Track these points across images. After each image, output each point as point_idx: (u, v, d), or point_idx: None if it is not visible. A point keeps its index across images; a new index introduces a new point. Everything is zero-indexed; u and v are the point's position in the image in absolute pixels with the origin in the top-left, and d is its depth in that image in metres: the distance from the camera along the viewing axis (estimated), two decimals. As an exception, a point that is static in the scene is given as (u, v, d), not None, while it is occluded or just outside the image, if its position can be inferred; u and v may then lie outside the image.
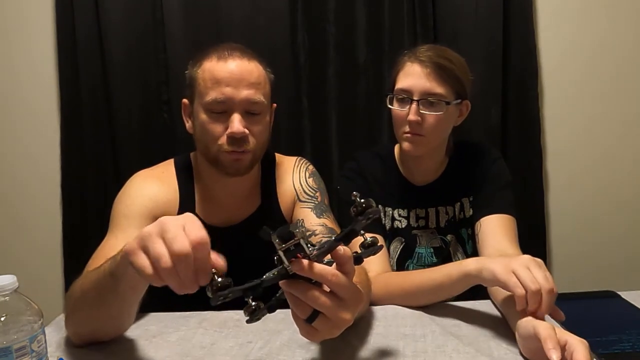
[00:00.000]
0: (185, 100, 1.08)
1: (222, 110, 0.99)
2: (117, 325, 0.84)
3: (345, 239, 0.63)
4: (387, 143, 1.51)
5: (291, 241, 0.58)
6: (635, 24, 1.74)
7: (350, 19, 1.70)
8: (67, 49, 1.68)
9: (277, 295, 0.64)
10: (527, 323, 0.74)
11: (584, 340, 0.68)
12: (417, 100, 1.11)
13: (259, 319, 0.62)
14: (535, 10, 1.72)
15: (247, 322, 0.62)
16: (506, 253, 1.03)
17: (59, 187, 1.75)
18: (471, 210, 1.21)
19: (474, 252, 1.20)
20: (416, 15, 1.66)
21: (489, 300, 0.98)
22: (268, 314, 0.63)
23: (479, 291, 0.95)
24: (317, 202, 1.12)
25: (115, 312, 0.78)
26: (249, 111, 1.01)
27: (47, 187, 1.77)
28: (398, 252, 1.23)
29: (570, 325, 0.82)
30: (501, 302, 0.90)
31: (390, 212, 1.23)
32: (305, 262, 0.58)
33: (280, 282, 0.60)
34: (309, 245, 0.59)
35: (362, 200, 0.61)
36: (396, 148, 1.28)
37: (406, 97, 1.13)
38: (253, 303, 0.60)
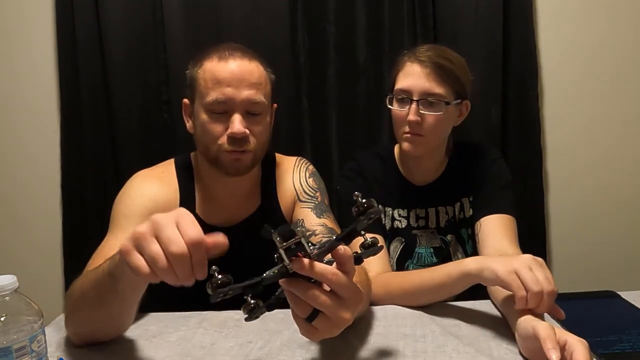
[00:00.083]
0: (185, 100, 1.08)
1: (222, 111, 0.99)
2: (117, 325, 0.84)
3: (346, 239, 0.63)
4: (387, 143, 1.51)
5: (292, 240, 0.58)
6: (635, 24, 1.74)
7: (350, 19, 1.70)
8: (67, 49, 1.68)
9: (277, 293, 0.64)
10: (526, 323, 0.74)
11: (584, 340, 0.68)
12: (417, 101, 1.11)
13: (257, 317, 0.62)
14: (535, 10, 1.72)
15: (246, 320, 0.62)
16: (506, 253, 1.03)
17: (59, 187, 1.75)
18: (471, 210, 1.21)
19: (474, 252, 1.20)
20: (416, 15, 1.66)
21: (489, 300, 0.98)
22: (267, 313, 0.63)
23: (479, 291, 0.95)
24: (317, 202, 1.12)
25: (115, 312, 0.78)
26: (250, 111, 1.01)
27: (47, 187, 1.77)
28: (398, 252, 1.23)
29: (570, 325, 0.82)
30: (501, 301, 0.90)
31: (390, 212, 1.23)
32: (306, 260, 0.58)
33: (280, 281, 0.60)
34: (309, 244, 0.59)
35: (364, 200, 0.61)
36: (396, 148, 1.28)
37: (406, 97, 1.13)
38: (252, 301, 0.61)
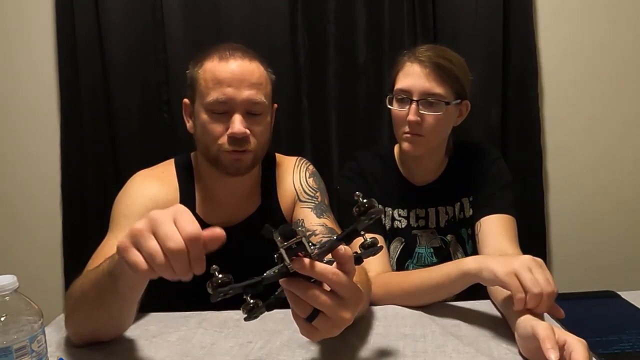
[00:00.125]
0: (186, 100, 1.08)
1: (223, 111, 0.99)
2: (117, 325, 0.84)
3: (347, 239, 0.63)
4: (387, 143, 1.51)
5: (293, 239, 0.58)
6: (635, 24, 1.74)
7: (350, 19, 1.70)
8: (67, 49, 1.68)
9: (277, 293, 0.64)
10: (526, 323, 0.74)
11: (583, 340, 0.68)
12: (417, 101, 1.11)
13: (257, 317, 0.62)
14: (535, 10, 1.72)
15: (245, 319, 0.62)
16: (506, 253, 1.03)
17: (59, 187, 1.75)
18: (471, 210, 1.21)
19: (474, 252, 1.20)
20: (416, 15, 1.66)
21: (489, 300, 0.98)
22: (267, 313, 0.63)
23: (479, 291, 0.95)
24: (317, 202, 1.12)
25: (114, 312, 0.78)
26: (250, 112, 1.01)
27: (47, 187, 1.77)
28: (398, 252, 1.23)
29: (570, 325, 0.82)
30: (501, 301, 0.90)
31: (390, 212, 1.23)
32: (307, 260, 0.58)
33: (281, 280, 0.60)
34: (310, 244, 0.59)
35: (365, 200, 0.61)
36: (396, 148, 1.28)
37: (406, 97, 1.13)
38: (251, 301, 0.60)
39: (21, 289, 0.64)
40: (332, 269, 0.60)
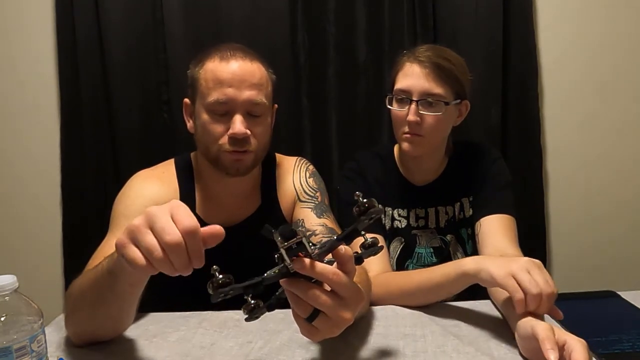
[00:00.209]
0: (186, 100, 1.08)
1: (224, 111, 0.99)
2: (117, 324, 0.84)
3: (347, 239, 0.63)
4: (387, 143, 1.51)
5: (293, 239, 0.58)
6: (635, 24, 1.74)
7: (350, 19, 1.70)
8: (67, 49, 1.68)
9: (277, 294, 0.64)
10: (526, 323, 0.74)
11: (583, 340, 0.68)
12: (417, 101, 1.11)
13: (257, 317, 0.62)
14: (535, 10, 1.72)
15: (246, 320, 0.62)
16: (506, 253, 1.03)
17: (59, 187, 1.75)
18: (471, 210, 1.21)
19: (474, 252, 1.20)
20: (416, 15, 1.66)
21: (489, 300, 0.98)
22: (267, 313, 0.63)
23: (479, 291, 0.95)
24: (317, 202, 1.12)
25: (114, 311, 0.78)
26: (251, 112, 1.01)
27: (47, 187, 1.77)
28: (398, 252, 1.23)
29: (570, 325, 0.82)
30: (501, 302, 0.90)
31: (390, 212, 1.23)
32: (307, 260, 0.58)
33: (281, 281, 0.60)
34: (310, 244, 0.59)
35: (365, 200, 0.61)
36: (396, 148, 1.28)
37: (405, 97, 1.13)
38: (252, 301, 0.60)
39: (21, 289, 0.64)
40: (333, 269, 0.60)
